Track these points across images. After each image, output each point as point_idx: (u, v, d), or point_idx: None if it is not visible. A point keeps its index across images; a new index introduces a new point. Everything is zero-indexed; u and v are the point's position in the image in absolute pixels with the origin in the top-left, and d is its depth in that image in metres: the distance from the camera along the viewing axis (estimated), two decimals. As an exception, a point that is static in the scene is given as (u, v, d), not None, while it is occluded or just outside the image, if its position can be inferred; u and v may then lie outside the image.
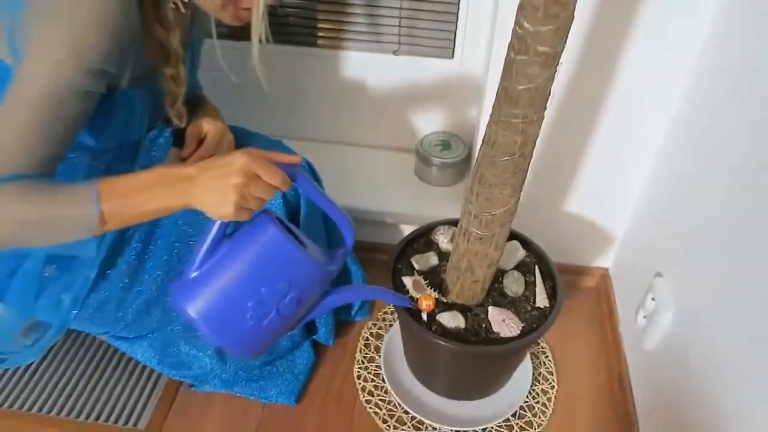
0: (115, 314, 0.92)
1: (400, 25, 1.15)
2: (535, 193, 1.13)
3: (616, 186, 1.12)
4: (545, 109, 0.71)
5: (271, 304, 0.71)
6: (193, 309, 0.68)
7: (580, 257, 1.27)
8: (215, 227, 0.69)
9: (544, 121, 0.72)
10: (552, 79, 0.67)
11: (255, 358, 1.00)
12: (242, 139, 1.01)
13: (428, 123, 1.29)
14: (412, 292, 0.94)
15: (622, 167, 1.09)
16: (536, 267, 1.01)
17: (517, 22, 0.64)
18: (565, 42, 0.64)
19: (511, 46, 0.66)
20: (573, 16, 0.63)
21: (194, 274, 0.70)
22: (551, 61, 0.65)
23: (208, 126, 0.93)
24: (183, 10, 0.74)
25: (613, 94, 1.00)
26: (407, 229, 1.27)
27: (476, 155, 1.11)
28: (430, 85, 1.23)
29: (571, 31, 0.64)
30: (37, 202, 0.66)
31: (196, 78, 0.96)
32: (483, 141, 0.76)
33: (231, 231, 0.72)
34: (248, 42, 0.74)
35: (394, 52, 1.19)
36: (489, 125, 0.74)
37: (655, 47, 0.92)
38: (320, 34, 1.20)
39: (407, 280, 0.95)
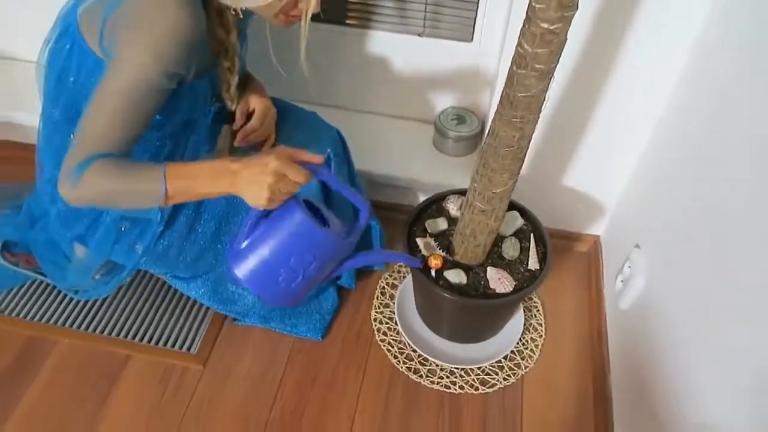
0: (176, 258, 1.11)
1: (425, 11, 1.28)
2: (538, 166, 1.27)
3: (610, 163, 1.26)
4: (540, 111, 0.85)
5: (298, 270, 0.90)
6: (240, 272, 0.89)
7: (576, 225, 1.43)
8: (253, 211, 0.88)
9: (547, 103, 0.85)
10: (546, 89, 0.82)
11: (290, 306, 1.19)
12: (283, 111, 1.17)
13: (446, 98, 1.42)
14: (424, 251, 1.11)
15: (616, 146, 1.22)
16: (531, 234, 1.17)
17: (519, 43, 0.78)
18: (558, 60, 0.78)
19: (513, 61, 0.80)
20: (565, 41, 0.77)
21: (242, 245, 0.89)
22: (545, 75, 0.79)
23: (255, 102, 1.09)
24: (241, 16, 0.88)
25: (609, 81, 1.12)
26: (423, 194, 1.43)
27: (486, 132, 1.26)
28: (449, 64, 1.36)
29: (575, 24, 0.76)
30: (119, 177, 0.83)
31: (245, 59, 1.11)
32: (488, 133, 0.91)
33: (269, 212, 0.89)
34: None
35: (419, 34, 1.32)
36: (493, 121, 0.89)
37: (650, 38, 1.03)
38: (351, 14, 1.32)
39: (420, 241, 1.13)
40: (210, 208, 1.10)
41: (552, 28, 0.73)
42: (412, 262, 1.07)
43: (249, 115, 1.10)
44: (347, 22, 1.33)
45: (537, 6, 0.72)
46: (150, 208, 1.01)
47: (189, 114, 0.98)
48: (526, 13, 0.75)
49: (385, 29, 1.33)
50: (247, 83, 1.12)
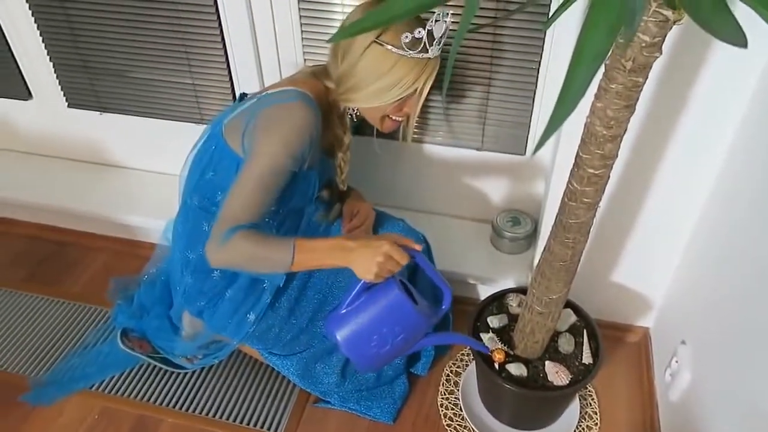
0: (276, 336, 1.30)
1: (484, 129, 1.47)
2: (587, 262, 1.41)
3: (655, 258, 1.38)
4: (588, 233, 1.01)
5: (387, 339, 1.08)
6: (339, 334, 1.08)
7: (626, 317, 1.54)
8: (360, 283, 1.08)
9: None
10: (594, 216, 0.98)
11: (373, 372, 1.36)
12: (377, 216, 1.38)
13: (502, 201, 1.59)
14: (488, 345, 1.25)
15: (660, 242, 1.34)
16: (584, 330, 1.29)
17: (569, 181, 0.95)
18: (602, 195, 0.95)
19: (565, 194, 0.97)
20: (608, 179, 0.93)
21: (343, 311, 1.09)
22: (593, 206, 0.95)
23: (360, 205, 1.35)
24: (355, 120, 1.13)
25: (652, 180, 1.26)
26: (482, 287, 1.58)
27: (540, 232, 1.42)
28: (505, 173, 1.54)
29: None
30: (258, 244, 1.05)
31: None
32: (544, 248, 1.07)
33: (369, 286, 1.09)
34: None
35: (478, 149, 1.51)
36: (549, 239, 1.05)
37: (691, 136, 1.15)
38: (419, 131, 1.53)
39: (484, 336, 1.27)
40: (308, 297, 1.30)
41: (597, 173, 0.89)
42: (481, 347, 1.22)
43: (353, 215, 1.34)
44: (414, 138, 1.54)
45: (584, 156, 0.89)
46: (274, 274, 1.22)
47: (301, 201, 1.21)
48: (575, 159, 0.92)
49: (448, 144, 1.52)
50: (348, 190, 1.37)
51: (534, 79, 1.35)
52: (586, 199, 0.94)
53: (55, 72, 1.68)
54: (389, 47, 1.04)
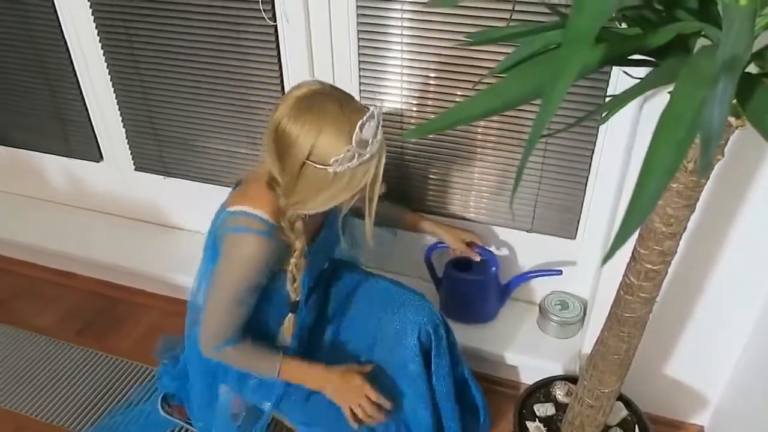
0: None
1: (534, 210, 1.48)
2: (641, 354, 1.36)
3: (712, 354, 1.33)
4: (644, 327, 0.99)
5: None
6: None
7: (680, 413, 1.47)
8: None
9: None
10: (650, 311, 0.96)
11: None
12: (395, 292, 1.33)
13: (550, 283, 1.58)
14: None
15: (717, 338, 1.30)
16: (636, 426, 1.24)
17: (625, 274, 0.94)
18: (660, 290, 0.93)
19: (621, 287, 0.96)
20: (666, 274, 0.92)
21: None
22: (650, 302, 0.94)
23: (441, 230, 1.44)
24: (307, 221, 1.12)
25: (712, 278, 1.24)
26: (525, 370, 1.54)
27: (590, 318, 1.39)
28: (555, 254, 1.54)
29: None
30: (248, 359, 1.20)
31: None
32: (597, 340, 1.05)
33: None
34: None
35: (528, 230, 1.52)
36: (602, 331, 1.03)
37: (753, 234, 1.14)
38: (473, 209, 1.55)
39: (530, 425, 1.23)
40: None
41: (655, 268, 0.89)
42: None
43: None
44: (469, 217, 1.55)
45: (642, 251, 0.89)
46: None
47: (268, 313, 1.23)
48: (632, 253, 0.92)
49: (498, 224, 1.53)
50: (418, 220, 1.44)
51: (587, 166, 1.37)
52: (643, 294, 0.92)
53: (126, 137, 1.79)
54: (320, 167, 1.00)
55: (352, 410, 1.18)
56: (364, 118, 0.99)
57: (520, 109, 1.34)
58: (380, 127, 1.03)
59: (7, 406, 1.54)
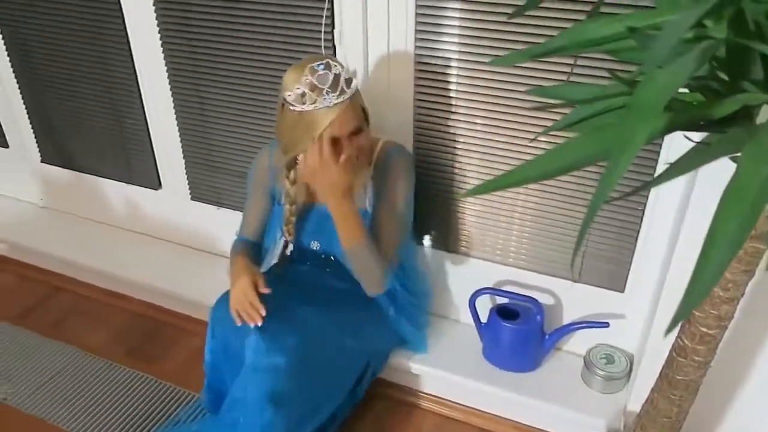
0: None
1: (582, 261, 1.47)
2: (694, 416, 1.32)
3: (766, 423, 1.28)
4: (697, 391, 0.96)
5: None
6: None
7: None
8: None
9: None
10: (704, 374, 0.94)
11: None
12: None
13: (596, 335, 1.55)
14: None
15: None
16: (684, 493, 1.20)
17: (679, 337, 0.92)
18: (715, 354, 0.91)
19: (673, 348, 0.94)
20: (722, 338, 0.90)
21: None
22: (704, 365, 0.92)
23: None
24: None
25: (764, 344, 1.20)
26: (568, 424, 1.50)
27: (637, 375, 1.36)
28: (601, 306, 1.51)
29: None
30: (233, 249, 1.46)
31: None
32: (646, 401, 1.03)
33: None
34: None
35: (574, 281, 1.50)
36: (652, 392, 1.01)
37: None
38: (521, 257, 1.55)
39: (571, 483, 1.20)
40: None
41: (711, 332, 0.87)
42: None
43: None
44: (514, 263, 1.55)
45: (697, 314, 0.88)
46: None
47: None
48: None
49: (544, 272, 1.53)
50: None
51: (639, 219, 1.36)
52: (697, 358, 0.91)
53: (185, 168, 1.86)
54: (290, 107, 1.21)
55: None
56: (315, 63, 1.18)
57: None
58: (345, 85, 1.19)
59: (55, 423, 1.60)
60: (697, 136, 0.78)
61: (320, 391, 1.34)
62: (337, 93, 1.18)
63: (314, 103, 1.18)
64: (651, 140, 0.59)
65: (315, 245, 1.45)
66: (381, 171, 1.37)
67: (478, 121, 1.39)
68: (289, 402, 1.25)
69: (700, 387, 1.25)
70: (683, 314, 0.48)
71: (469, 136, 1.42)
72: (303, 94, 1.18)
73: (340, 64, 1.21)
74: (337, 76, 1.18)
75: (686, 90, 0.74)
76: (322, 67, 1.18)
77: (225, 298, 1.35)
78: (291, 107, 1.21)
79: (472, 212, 1.52)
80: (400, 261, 1.52)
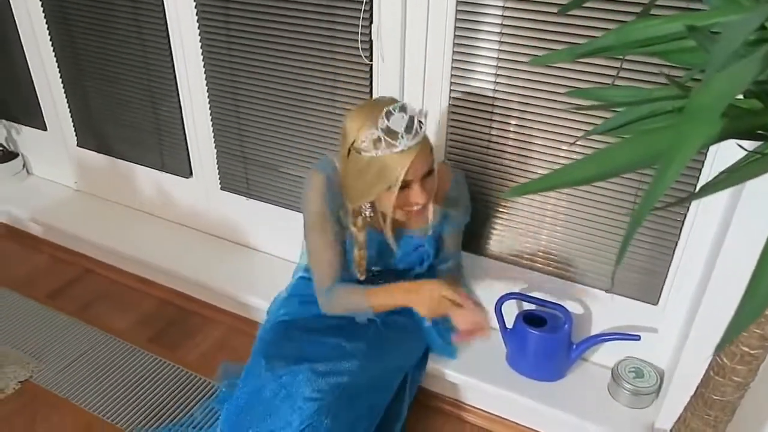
0: None
1: (614, 271, 1.43)
2: None
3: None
4: (734, 413, 0.92)
5: None
6: None
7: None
8: None
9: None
10: (743, 396, 0.89)
11: None
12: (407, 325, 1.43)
13: (626, 347, 1.50)
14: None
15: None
16: None
17: (717, 355, 0.88)
18: (755, 376, 0.87)
19: (711, 367, 0.90)
20: (764, 359, 0.86)
21: None
22: (743, 386, 0.88)
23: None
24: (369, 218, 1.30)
25: None
26: (593, 437, 1.47)
27: (667, 391, 1.31)
28: (633, 318, 1.47)
29: None
30: (348, 298, 1.32)
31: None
32: (679, 419, 0.99)
33: None
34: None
35: (606, 290, 1.46)
36: (685, 410, 0.97)
37: None
38: (551, 263, 1.51)
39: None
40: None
41: (753, 352, 0.83)
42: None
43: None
44: (546, 270, 1.52)
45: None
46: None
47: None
48: (727, 332, 0.86)
49: (575, 280, 1.49)
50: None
51: (678, 231, 1.31)
52: (736, 378, 0.87)
53: (216, 157, 1.87)
54: (356, 152, 1.15)
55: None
56: (392, 107, 1.10)
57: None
58: (418, 127, 1.13)
59: (77, 403, 1.62)
60: (749, 145, 0.74)
61: (363, 411, 1.32)
62: (412, 135, 1.12)
63: (389, 147, 1.11)
64: (705, 147, 0.56)
65: (375, 269, 1.43)
66: (453, 200, 1.35)
67: (513, 122, 1.36)
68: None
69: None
70: (733, 334, 0.45)
71: (504, 137, 1.39)
72: (378, 140, 1.11)
73: (411, 107, 1.15)
74: (412, 119, 1.12)
75: (741, 96, 0.70)
76: (397, 109, 1.11)
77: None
78: (361, 153, 1.15)
79: (502, 216, 1.49)
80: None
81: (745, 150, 0.73)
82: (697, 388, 0.93)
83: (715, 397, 0.89)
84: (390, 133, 1.11)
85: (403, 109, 1.11)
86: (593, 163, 0.58)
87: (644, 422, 1.41)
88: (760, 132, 0.66)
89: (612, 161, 0.57)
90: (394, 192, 1.15)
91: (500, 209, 1.48)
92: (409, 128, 1.11)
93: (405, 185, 1.16)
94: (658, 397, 1.44)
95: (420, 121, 1.15)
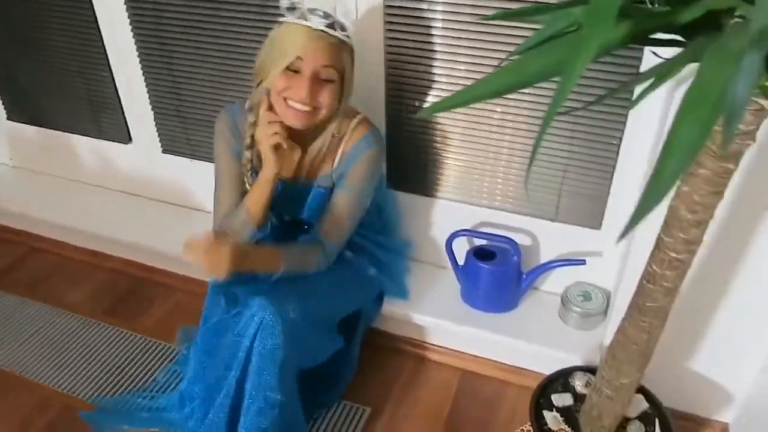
0: None
1: (559, 200, 1.46)
2: (663, 348, 1.33)
3: (739, 351, 1.30)
4: (666, 318, 0.97)
5: None
6: None
7: (703, 409, 1.44)
8: None
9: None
10: (673, 301, 0.94)
11: None
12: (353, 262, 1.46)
13: (573, 274, 1.56)
14: (551, 425, 1.20)
15: (746, 335, 1.27)
16: (656, 420, 1.22)
17: (648, 263, 0.92)
18: (683, 280, 0.91)
19: (643, 275, 0.94)
20: (690, 264, 0.90)
21: None
22: (673, 291, 0.92)
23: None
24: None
25: (740, 271, 1.20)
26: (546, 362, 1.52)
27: (613, 309, 1.37)
28: (579, 244, 1.51)
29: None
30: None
31: None
32: (618, 330, 1.03)
33: None
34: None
35: (552, 220, 1.50)
36: (623, 320, 1.01)
37: None
38: (499, 197, 1.53)
39: (547, 415, 1.22)
40: None
41: (679, 257, 0.87)
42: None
43: None
44: (491, 205, 1.54)
45: (666, 239, 0.87)
46: None
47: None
48: (656, 241, 0.90)
49: (522, 212, 1.52)
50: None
51: (614, 155, 1.34)
52: (665, 283, 0.91)
53: (155, 120, 1.81)
54: (278, 23, 1.16)
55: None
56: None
57: (548, 95, 1.32)
58: (337, 24, 1.14)
59: (34, 378, 1.59)
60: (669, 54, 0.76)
61: (314, 342, 1.32)
62: (327, 23, 1.13)
63: (300, 17, 1.13)
64: (608, 49, 0.57)
65: (287, 217, 1.42)
66: (351, 155, 1.30)
67: (448, 57, 1.35)
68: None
69: (672, 317, 1.26)
70: (637, 220, 0.47)
71: (443, 75, 1.38)
72: (293, 7, 1.13)
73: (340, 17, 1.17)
74: (330, 15, 1.15)
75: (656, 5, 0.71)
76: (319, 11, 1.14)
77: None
78: (278, 24, 1.17)
79: (446, 155, 1.50)
80: (379, 218, 1.51)
81: (661, 57, 0.74)
82: (633, 297, 0.97)
83: (648, 304, 0.93)
84: (307, 9, 1.13)
85: (327, 15, 1.14)
86: (505, 75, 0.58)
87: (594, 342, 1.47)
88: (671, 38, 0.67)
89: (519, 73, 0.58)
90: (282, 67, 1.14)
91: (443, 149, 1.49)
92: (327, 16, 1.14)
93: (297, 70, 1.14)
94: (606, 317, 1.50)
95: (342, 25, 1.16)
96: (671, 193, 0.84)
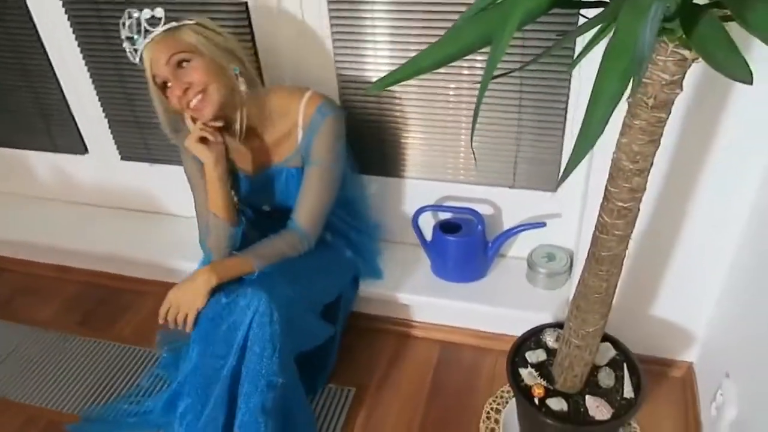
0: None
1: (515, 167, 1.51)
2: (625, 295, 1.41)
3: (695, 290, 1.37)
4: (622, 265, 1.03)
5: None
6: None
7: (669, 351, 1.52)
8: None
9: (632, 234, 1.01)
10: (626, 248, 1.00)
11: None
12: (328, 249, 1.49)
13: (537, 237, 1.61)
14: (527, 381, 1.26)
15: (699, 273, 1.34)
16: (624, 364, 1.29)
17: (599, 214, 0.97)
18: (633, 227, 0.97)
19: (596, 227, 0.99)
20: (638, 213, 0.95)
21: None
22: (624, 239, 0.98)
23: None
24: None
25: (688, 215, 1.27)
26: (519, 324, 1.58)
27: (576, 266, 1.43)
28: (538, 208, 1.57)
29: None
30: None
31: None
32: (579, 282, 1.09)
33: None
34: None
35: (510, 186, 1.55)
36: (582, 272, 1.07)
37: (725, 170, 1.17)
38: (454, 171, 1.58)
39: (523, 372, 1.28)
40: None
41: (626, 206, 0.92)
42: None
43: None
44: (452, 178, 1.59)
45: (612, 190, 0.92)
46: None
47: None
48: (604, 193, 0.95)
49: (481, 183, 1.57)
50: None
51: (563, 118, 1.40)
52: (617, 232, 0.96)
53: (109, 128, 1.80)
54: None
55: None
56: (122, 18, 1.18)
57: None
58: (146, 25, 1.17)
59: (16, 399, 1.58)
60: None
61: (308, 324, 1.37)
62: (143, 36, 1.18)
63: (139, 40, 1.18)
64: (534, 14, 0.60)
65: (266, 207, 1.46)
66: (311, 127, 1.31)
67: (396, 39, 1.38)
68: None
69: (629, 265, 1.32)
70: (572, 166, 0.51)
71: (394, 56, 1.41)
72: (129, 36, 1.19)
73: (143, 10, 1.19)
74: (138, 19, 1.18)
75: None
76: (126, 16, 1.18)
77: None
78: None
79: (405, 135, 1.53)
80: (352, 205, 1.54)
81: (587, 18, 0.79)
82: (589, 249, 1.02)
83: (603, 253, 0.99)
84: (128, 39, 1.19)
85: (129, 16, 1.18)
86: (438, 49, 0.62)
87: (561, 299, 1.54)
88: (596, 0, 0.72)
89: (454, 44, 0.61)
90: (159, 92, 1.23)
91: (401, 129, 1.52)
92: (138, 31, 1.18)
93: (165, 82, 1.21)
94: (571, 275, 1.57)
95: (149, 18, 1.18)
96: (612, 146, 0.90)
